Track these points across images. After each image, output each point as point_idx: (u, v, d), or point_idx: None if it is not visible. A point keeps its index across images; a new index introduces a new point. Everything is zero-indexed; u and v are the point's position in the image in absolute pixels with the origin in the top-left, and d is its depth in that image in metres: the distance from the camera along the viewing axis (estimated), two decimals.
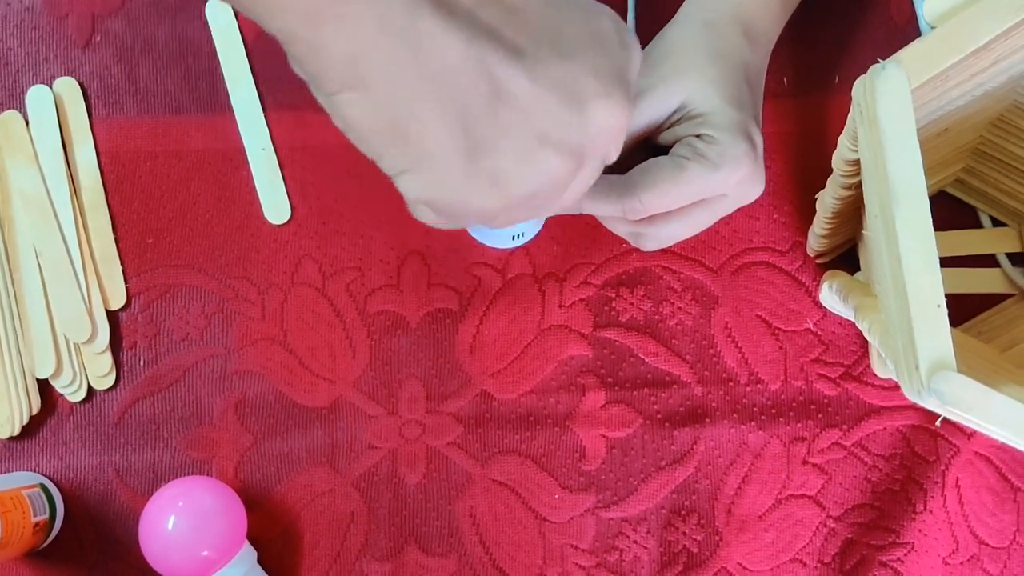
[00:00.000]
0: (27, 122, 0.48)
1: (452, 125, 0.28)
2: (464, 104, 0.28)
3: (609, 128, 0.30)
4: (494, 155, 0.29)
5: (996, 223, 0.49)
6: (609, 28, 0.30)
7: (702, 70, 0.39)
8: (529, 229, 0.46)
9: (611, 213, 0.39)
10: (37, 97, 0.48)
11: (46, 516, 0.43)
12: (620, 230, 0.42)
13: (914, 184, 0.34)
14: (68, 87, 0.49)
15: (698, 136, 0.39)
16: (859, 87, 0.36)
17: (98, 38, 0.49)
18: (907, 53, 0.35)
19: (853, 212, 0.43)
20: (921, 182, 0.33)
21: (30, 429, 0.46)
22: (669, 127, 0.40)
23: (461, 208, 0.30)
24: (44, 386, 0.46)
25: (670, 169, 0.38)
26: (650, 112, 0.40)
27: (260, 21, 0.27)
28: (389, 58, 0.26)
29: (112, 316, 0.47)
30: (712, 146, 0.38)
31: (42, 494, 0.44)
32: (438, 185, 0.29)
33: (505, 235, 0.45)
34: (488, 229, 0.44)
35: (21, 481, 0.44)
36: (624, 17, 0.49)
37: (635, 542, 0.47)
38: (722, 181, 0.38)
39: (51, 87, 0.48)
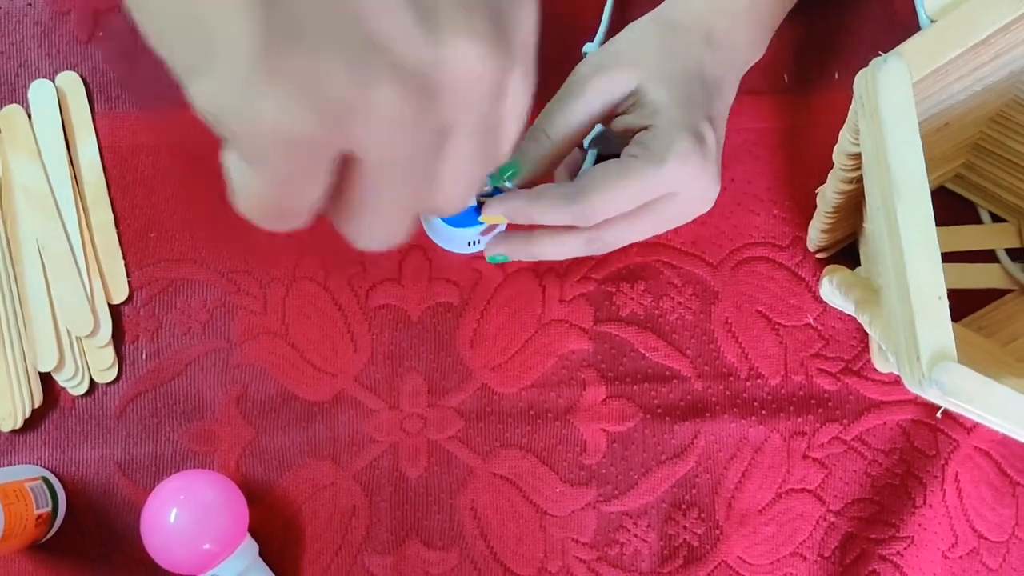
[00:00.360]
0: (29, 116, 0.48)
1: (262, 11, 0.20)
2: None
3: (469, 74, 0.22)
4: (313, 57, 0.21)
5: (995, 218, 0.49)
6: None
7: (657, 65, 0.40)
8: (486, 238, 0.45)
9: (563, 220, 0.40)
10: (39, 91, 0.48)
11: (49, 509, 0.43)
12: (571, 244, 0.41)
13: (916, 176, 0.34)
14: (70, 82, 0.49)
15: (645, 129, 0.39)
16: (861, 80, 0.36)
17: (100, 33, 0.50)
18: (909, 46, 0.35)
19: (854, 206, 0.44)
20: (922, 174, 0.34)
21: (32, 422, 0.46)
22: (621, 113, 0.41)
23: (257, 131, 0.21)
24: (46, 379, 0.46)
25: (618, 168, 0.39)
26: (604, 92, 0.40)
27: None
28: None
29: (114, 310, 0.47)
30: (655, 140, 0.39)
31: (44, 487, 0.44)
32: (228, 87, 0.21)
33: (460, 240, 0.45)
34: (442, 228, 0.44)
35: (24, 474, 0.44)
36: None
37: (636, 536, 0.47)
38: (669, 176, 0.39)
39: (54, 82, 0.49)
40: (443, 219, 0.44)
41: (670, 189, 0.39)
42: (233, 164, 0.23)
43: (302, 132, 0.21)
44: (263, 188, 0.23)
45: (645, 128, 0.40)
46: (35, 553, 0.45)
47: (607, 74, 0.40)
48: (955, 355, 0.32)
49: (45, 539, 0.45)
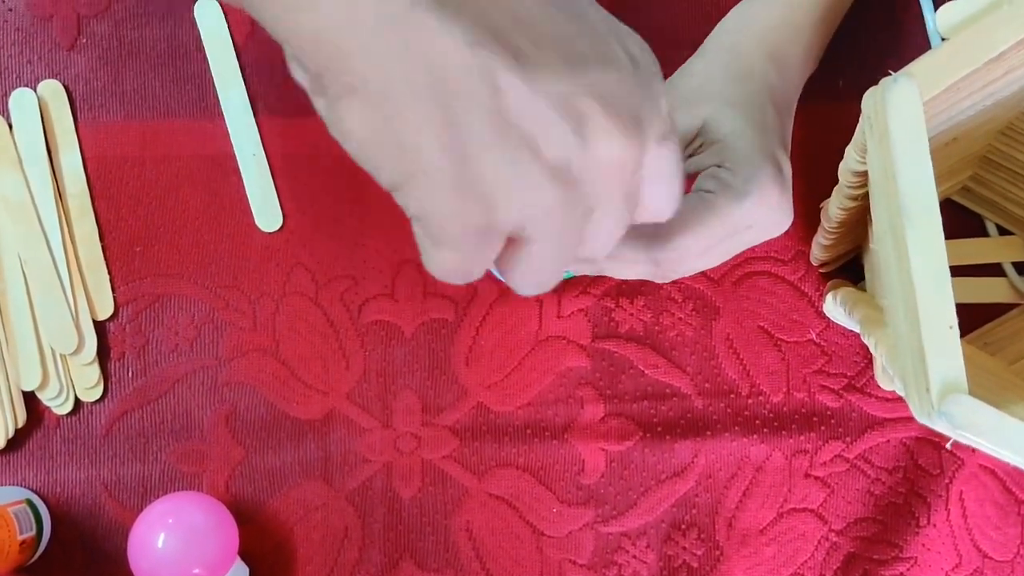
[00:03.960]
0: (10, 126, 0.47)
1: (445, 132, 0.25)
2: (461, 110, 0.25)
3: (612, 162, 0.27)
4: (483, 166, 0.26)
5: (1002, 231, 0.48)
6: (633, 53, 0.28)
7: (723, 92, 0.38)
8: None
9: (644, 273, 0.37)
10: (20, 101, 0.47)
11: (32, 533, 0.42)
12: (634, 272, 0.39)
13: (926, 202, 0.33)
14: (52, 90, 0.47)
15: (720, 165, 0.37)
16: (869, 99, 0.35)
17: (83, 40, 0.48)
18: (919, 66, 0.34)
19: (858, 222, 0.43)
20: (933, 200, 0.33)
21: (16, 442, 0.45)
22: (691, 156, 0.39)
23: (448, 227, 0.28)
24: (30, 398, 0.45)
25: (699, 208, 0.36)
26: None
27: (256, 13, 0.25)
28: (387, 53, 0.25)
29: (99, 326, 0.46)
30: (737, 173, 0.37)
31: (28, 510, 0.43)
32: (429, 199, 0.27)
33: None
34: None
35: (7, 497, 0.43)
36: None
37: (634, 557, 0.46)
38: (750, 211, 0.36)
39: (35, 90, 0.47)
40: None
41: (749, 223, 0.37)
42: (425, 242, 0.29)
43: (490, 223, 0.27)
44: (453, 259, 0.28)
45: (719, 165, 0.38)
46: (19, 575, 0.44)
47: (677, 107, 0.38)
48: (966, 387, 0.31)
49: (29, 563, 0.44)
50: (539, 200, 0.26)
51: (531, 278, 0.30)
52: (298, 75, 0.27)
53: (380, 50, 0.25)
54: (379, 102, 0.25)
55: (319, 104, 0.27)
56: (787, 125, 0.40)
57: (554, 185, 0.26)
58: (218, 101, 0.48)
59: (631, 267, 0.38)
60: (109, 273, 0.46)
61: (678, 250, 0.37)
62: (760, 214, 0.37)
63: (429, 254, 0.29)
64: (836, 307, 0.44)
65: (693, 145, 0.38)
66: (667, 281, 0.40)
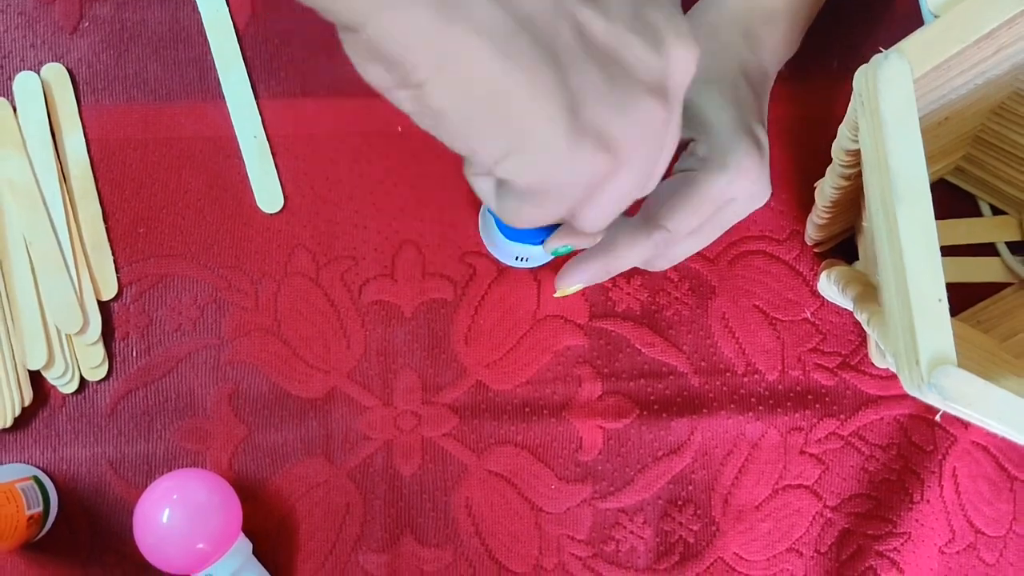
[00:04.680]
0: (14, 109, 0.47)
1: (547, 81, 0.26)
2: (554, 54, 0.26)
3: (686, 63, 0.29)
4: (594, 107, 0.27)
5: (996, 211, 0.49)
6: None
7: (700, 67, 0.39)
8: (536, 257, 0.45)
9: (644, 257, 0.38)
10: (24, 84, 0.47)
11: (40, 509, 0.43)
12: (632, 256, 0.39)
13: (916, 179, 0.33)
14: (56, 73, 0.48)
15: (696, 140, 0.38)
16: (860, 77, 0.35)
17: (86, 23, 0.48)
18: (910, 43, 0.34)
19: (852, 201, 0.43)
20: (923, 177, 0.33)
21: (22, 421, 0.46)
22: None
23: (571, 181, 0.28)
24: (36, 377, 0.46)
25: (683, 187, 0.37)
26: None
27: (326, 9, 0.25)
28: (479, 15, 0.25)
29: (104, 307, 0.47)
30: (715, 148, 0.37)
31: (35, 487, 0.43)
32: (545, 159, 0.27)
33: (509, 252, 0.45)
34: (497, 237, 0.43)
35: (14, 474, 0.43)
36: None
37: (632, 532, 0.47)
38: (731, 183, 0.37)
39: (39, 73, 0.48)
40: (502, 229, 0.42)
41: (731, 196, 0.38)
42: (503, 198, 0.31)
43: (603, 173, 0.28)
44: (541, 212, 0.30)
45: (693, 140, 0.38)
46: (27, 553, 0.45)
47: None
48: (955, 359, 0.32)
49: (37, 539, 0.44)
50: (648, 118, 0.28)
51: (609, 209, 0.31)
52: (372, 75, 0.27)
53: (464, 19, 0.25)
54: (471, 72, 0.25)
55: (401, 97, 0.27)
56: (762, 101, 0.40)
57: (656, 101, 0.28)
58: (219, 83, 0.48)
59: (629, 249, 0.38)
60: (113, 254, 0.47)
61: (673, 229, 0.37)
62: (741, 187, 0.37)
63: (519, 211, 0.31)
64: (830, 285, 0.45)
65: None
66: (663, 268, 0.41)
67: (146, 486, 0.44)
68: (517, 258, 0.45)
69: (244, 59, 0.48)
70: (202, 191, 0.48)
